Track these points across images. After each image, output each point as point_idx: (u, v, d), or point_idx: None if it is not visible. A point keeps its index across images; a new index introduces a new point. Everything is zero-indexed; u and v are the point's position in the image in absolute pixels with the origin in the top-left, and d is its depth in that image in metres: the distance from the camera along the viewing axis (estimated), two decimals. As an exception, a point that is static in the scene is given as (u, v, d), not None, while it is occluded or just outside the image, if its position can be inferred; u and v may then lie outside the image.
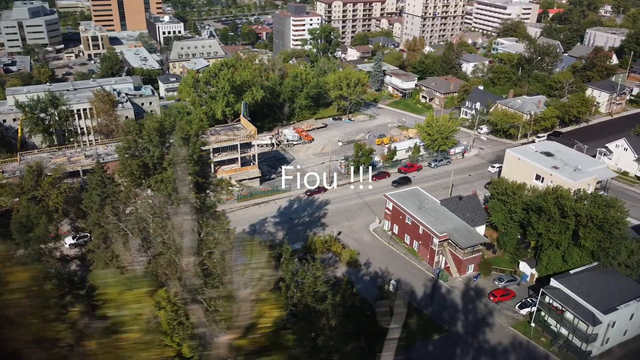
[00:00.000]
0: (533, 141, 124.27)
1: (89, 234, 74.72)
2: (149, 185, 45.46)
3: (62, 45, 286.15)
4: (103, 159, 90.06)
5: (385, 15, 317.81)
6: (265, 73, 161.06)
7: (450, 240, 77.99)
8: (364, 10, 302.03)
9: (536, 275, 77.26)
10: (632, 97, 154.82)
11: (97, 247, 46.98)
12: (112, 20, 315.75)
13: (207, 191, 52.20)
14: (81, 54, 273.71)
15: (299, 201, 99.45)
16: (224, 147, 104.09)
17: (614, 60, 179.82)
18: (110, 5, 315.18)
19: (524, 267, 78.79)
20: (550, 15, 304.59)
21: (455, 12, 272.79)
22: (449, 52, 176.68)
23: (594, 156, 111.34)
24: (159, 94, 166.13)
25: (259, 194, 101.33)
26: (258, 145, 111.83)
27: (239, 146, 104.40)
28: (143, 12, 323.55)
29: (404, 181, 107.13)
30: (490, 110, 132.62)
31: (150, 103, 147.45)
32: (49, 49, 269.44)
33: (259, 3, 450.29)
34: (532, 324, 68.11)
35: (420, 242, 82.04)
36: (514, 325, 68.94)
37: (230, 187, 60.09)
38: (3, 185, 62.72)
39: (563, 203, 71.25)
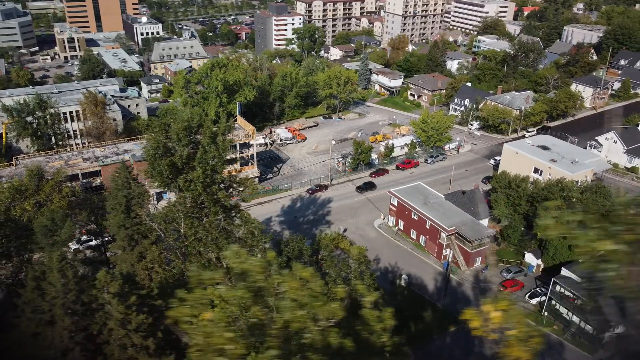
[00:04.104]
0: (524, 136, 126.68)
1: (92, 238, 73.23)
2: (177, 185, 44.94)
3: (37, 48, 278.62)
4: (103, 162, 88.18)
5: (365, 14, 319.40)
6: (253, 73, 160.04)
7: (458, 234, 78.95)
8: (344, 9, 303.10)
9: (542, 266, 78.81)
10: (614, 92, 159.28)
11: (123, 249, 46.08)
12: (87, 21, 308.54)
13: (231, 189, 51.66)
14: (57, 57, 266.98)
15: (301, 200, 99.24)
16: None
17: (594, 56, 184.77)
18: (85, 6, 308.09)
19: (529, 258, 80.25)
20: (526, 13, 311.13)
21: (434, 10, 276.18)
22: (434, 50, 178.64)
23: (585, 149, 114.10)
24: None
25: (261, 193, 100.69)
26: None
27: (237, 146, 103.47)
28: (119, 13, 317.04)
29: (368, 186, 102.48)
30: (480, 106, 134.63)
31: (137, 105, 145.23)
32: (23, 51, 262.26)
33: (236, 3, 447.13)
34: (545, 313, 69.49)
35: (427, 236, 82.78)
36: (526, 315, 70.24)
37: (254, 185, 59.64)
38: (28, 188, 60.59)
39: (569, 194, 72.90)
